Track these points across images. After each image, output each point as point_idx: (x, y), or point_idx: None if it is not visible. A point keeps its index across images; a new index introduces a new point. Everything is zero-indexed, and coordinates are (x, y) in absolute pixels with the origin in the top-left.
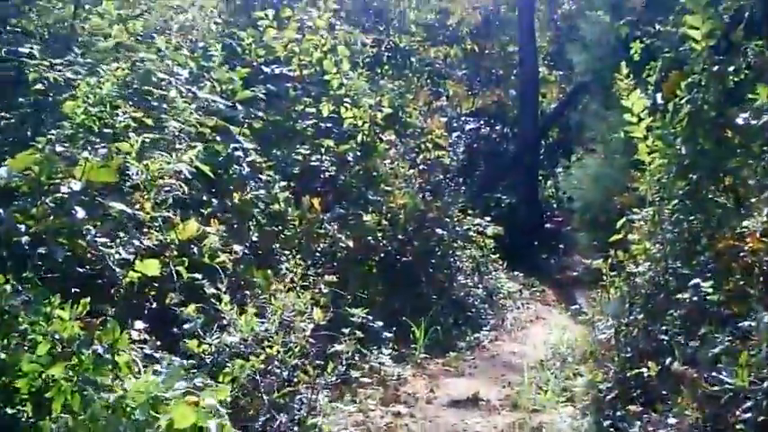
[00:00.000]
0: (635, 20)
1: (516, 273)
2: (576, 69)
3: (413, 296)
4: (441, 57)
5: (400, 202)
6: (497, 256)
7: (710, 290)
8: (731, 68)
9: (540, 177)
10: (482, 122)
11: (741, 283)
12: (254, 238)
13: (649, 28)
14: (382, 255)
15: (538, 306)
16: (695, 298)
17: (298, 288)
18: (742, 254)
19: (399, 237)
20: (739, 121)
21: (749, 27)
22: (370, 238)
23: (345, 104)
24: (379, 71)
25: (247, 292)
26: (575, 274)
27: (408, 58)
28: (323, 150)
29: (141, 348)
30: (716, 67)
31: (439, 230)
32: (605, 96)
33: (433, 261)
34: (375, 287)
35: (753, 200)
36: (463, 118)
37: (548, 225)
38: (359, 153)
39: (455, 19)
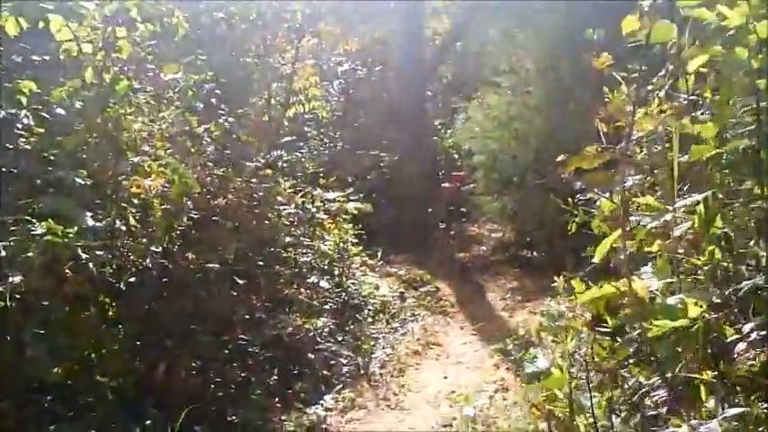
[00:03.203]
0: None
1: (395, 264)
2: None
3: (195, 346)
4: None
5: (151, 183)
6: (359, 248)
7: None
8: None
9: (439, 125)
10: (358, 63)
11: None
12: None
13: None
14: (133, 279)
15: (428, 320)
16: None
17: None
18: None
19: (154, 247)
20: None
21: None
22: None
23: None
24: None
25: None
26: (482, 250)
27: None
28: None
29: None
30: None
31: (254, 218)
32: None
33: (244, 272)
34: (110, 341)
35: None
36: (334, 59)
37: (445, 184)
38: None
39: None
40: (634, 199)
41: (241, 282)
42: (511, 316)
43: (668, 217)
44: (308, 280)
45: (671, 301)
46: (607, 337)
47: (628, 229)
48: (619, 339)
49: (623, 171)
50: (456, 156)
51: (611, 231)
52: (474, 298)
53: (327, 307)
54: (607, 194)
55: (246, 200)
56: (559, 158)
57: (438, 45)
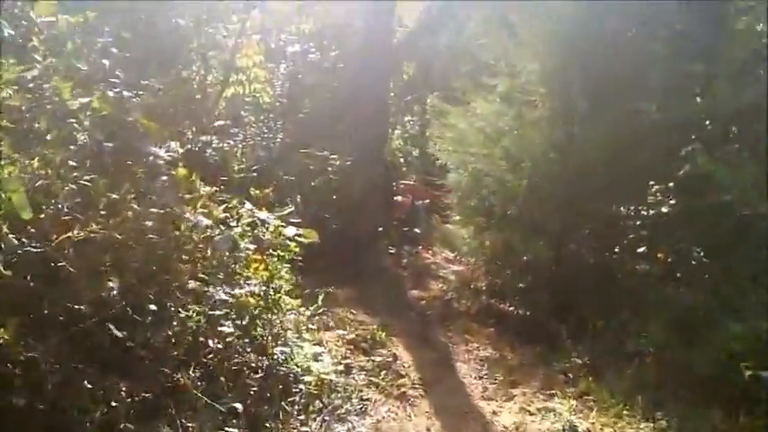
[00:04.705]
0: None
1: (337, 308)
2: None
3: None
4: None
5: None
6: (297, 301)
7: None
8: None
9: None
10: (311, 45)
11: None
12: None
13: None
14: None
15: (382, 410)
16: None
17: None
18: None
19: None
20: None
21: None
22: None
23: None
24: None
25: None
26: (442, 289)
27: None
28: None
29: None
30: None
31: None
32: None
33: (107, 351)
34: None
35: None
36: (284, 37)
37: (398, 198)
38: None
39: None
40: None
41: (97, 369)
42: (495, 413)
43: None
44: (211, 353)
45: None
46: None
47: None
48: None
49: None
50: (402, 160)
51: None
52: (441, 373)
53: (239, 405)
54: None
55: (125, 232)
56: None
57: (404, 39)
